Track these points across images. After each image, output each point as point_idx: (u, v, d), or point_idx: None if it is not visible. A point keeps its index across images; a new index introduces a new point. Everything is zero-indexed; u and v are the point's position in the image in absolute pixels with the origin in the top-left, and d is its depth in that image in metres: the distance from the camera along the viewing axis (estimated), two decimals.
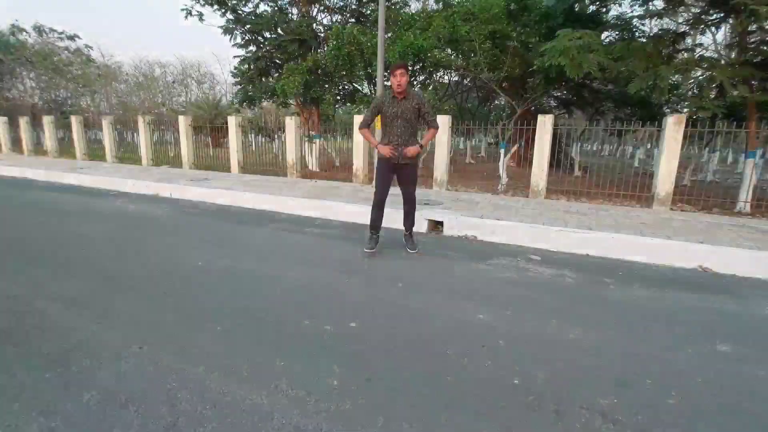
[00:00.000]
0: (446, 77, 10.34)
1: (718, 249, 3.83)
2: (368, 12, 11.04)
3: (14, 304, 2.54)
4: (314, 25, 10.19)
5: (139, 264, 3.37)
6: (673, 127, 5.59)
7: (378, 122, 3.86)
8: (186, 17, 9.76)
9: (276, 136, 19.35)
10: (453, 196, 6.59)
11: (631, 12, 10.15)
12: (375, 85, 9.58)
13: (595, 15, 9.80)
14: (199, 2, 9.62)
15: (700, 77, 5.71)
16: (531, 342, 2.23)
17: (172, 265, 3.35)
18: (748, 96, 5.69)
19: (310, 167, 10.35)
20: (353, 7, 11.02)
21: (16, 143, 14.10)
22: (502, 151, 8.74)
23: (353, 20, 10.75)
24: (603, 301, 2.84)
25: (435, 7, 10.88)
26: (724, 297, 3.01)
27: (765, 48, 6.71)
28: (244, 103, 12.11)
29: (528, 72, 9.06)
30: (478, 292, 2.92)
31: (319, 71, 9.11)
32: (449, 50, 8.93)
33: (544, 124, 6.35)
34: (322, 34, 10.25)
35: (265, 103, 15.25)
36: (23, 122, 13.15)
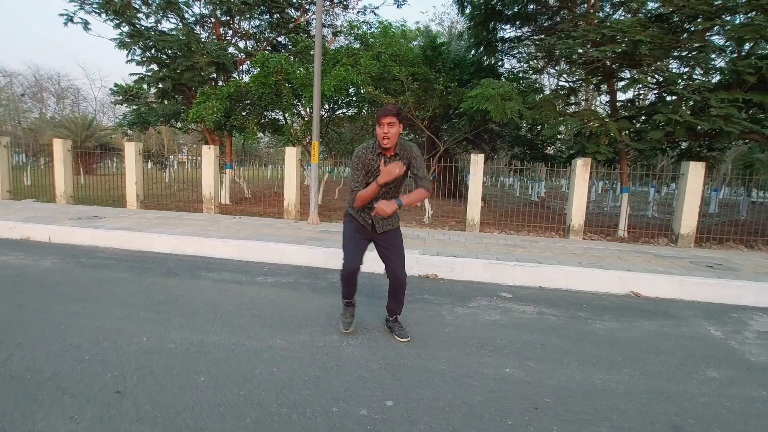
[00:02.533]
0: (372, 112, 10.52)
1: (642, 276, 4.44)
2: (285, 42, 10.76)
3: None
4: (229, 48, 9.49)
5: (54, 351, 2.46)
6: (582, 169, 6.51)
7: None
8: (65, 24, 8.17)
9: (168, 163, 17.24)
10: None
11: (519, 67, 11.97)
12: (297, 116, 9.24)
13: (493, 67, 11.19)
14: (84, 9, 8.18)
15: (595, 127, 6.82)
16: (573, 395, 2.18)
17: (107, 347, 2.52)
18: (628, 144, 6.97)
19: (221, 200, 9.35)
20: (268, 35, 10.62)
21: None
22: None
23: (269, 48, 10.33)
24: (595, 338, 2.99)
25: (346, 42, 11.17)
26: (673, 321, 3.45)
27: (630, 105, 8.42)
28: (134, 126, 10.52)
29: (447, 113, 9.76)
30: (486, 342, 2.82)
31: (237, 97, 8.41)
32: (376, 87, 9.14)
33: (477, 163, 6.81)
34: (236, 59, 9.59)
35: (160, 127, 13.48)
36: None
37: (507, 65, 12.78)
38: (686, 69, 7.69)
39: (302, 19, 9.81)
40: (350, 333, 2.86)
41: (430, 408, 2.00)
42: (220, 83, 9.27)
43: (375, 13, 11.83)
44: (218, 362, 2.37)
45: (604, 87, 8.57)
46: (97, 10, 8.03)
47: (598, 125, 6.71)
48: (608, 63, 7.27)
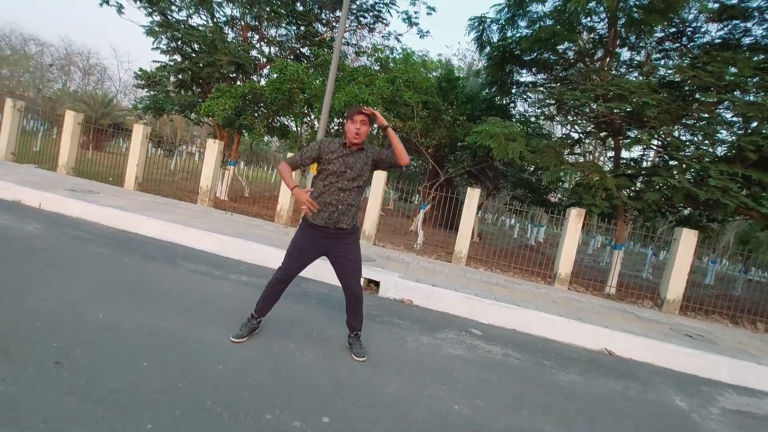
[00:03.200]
0: (379, 133, 10.70)
1: (618, 335, 4.38)
2: (307, 53, 11.07)
3: None
4: (252, 51, 9.77)
5: (13, 311, 2.45)
6: (575, 219, 6.54)
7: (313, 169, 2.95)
8: (101, 4, 8.46)
9: (175, 152, 17.44)
10: (381, 252, 6.53)
11: (530, 112, 12.22)
12: (307, 126, 9.41)
13: (506, 107, 11.42)
14: None
15: (594, 180, 6.89)
16: None
17: (63, 317, 2.50)
18: (625, 201, 7.02)
19: (219, 195, 9.40)
20: (292, 45, 10.94)
21: None
22: (422, 211, 9.17)
23: (291, 57, 10.62)
24: (556, 388, 2.94)
25: (368, 63, 11.47)
26: (639, 385, 3.39)
27: (632, 164, 8.52)
28: (149, 111, 10.71)
29: (453, 144, 9.90)
30: (441, 374, 2.77)
31: (250, 98, 8.60)
32: (386, 110, 9.33)
33: (472, 197, 6.86)
34: (257, 62, 9.85)
35: (173, 116, 13.71)
36: None
37: (520, 108, 13.06)
38: (691, 137, 7.83)
39: (327, 35, 10.12)
40: (296, 345, 2.82)
41: (365, 430, 1.95)
42: (239, 83, 9.48)
43: (398, 40, 12.19)
44: (167, 349, 2.34)
45: (610, 143, 8.73)
46: None
47: (598, 178, 6.77)
48: (617, 120, 7.41)
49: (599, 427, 2.49)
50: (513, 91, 10.55)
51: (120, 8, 8.64)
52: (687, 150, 7.43)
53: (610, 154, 9.79)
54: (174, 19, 8.99)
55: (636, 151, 9.81)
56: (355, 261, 2.70)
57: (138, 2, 8.39)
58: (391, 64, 9.81)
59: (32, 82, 25.02)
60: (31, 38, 26.83)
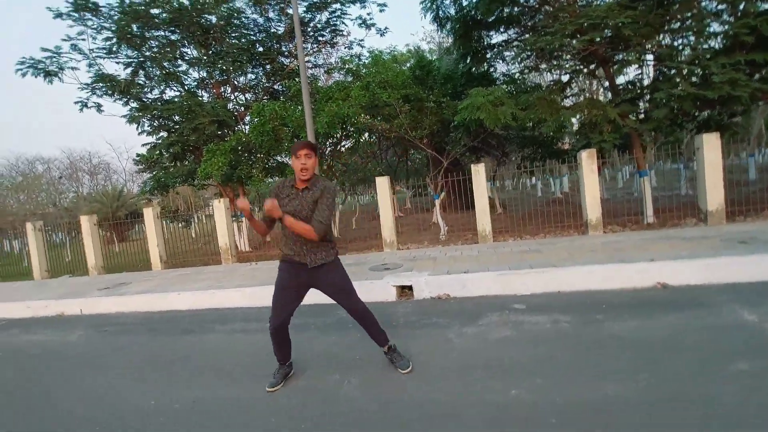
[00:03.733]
0: (371, 139, 10.72)
1: (666, 264, 4.15)
2: (281, 89, 11.22)
3: None
4: (228, 105, 9.98)
5: (72, 423, 2.54)
6: (587, 161, 6.28)
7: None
8: (81, 110, 8.88)
9: (192, 220, 17.99)
10: (406, 255, 6.47)
11: (513, 69, 11.91)
12: None
13: (486, 74, 11.19)
14: (95, 93, 8.87)
15: (595, 116, 6.61)
16: (583, 412, 2.02)
17: (118, 414, 2.58)
18: (633, 126, 6.70)
19: (241, 248, 9.60)
20: (265, 85, 11.12)
21: None
22: (437, 201, 9.06)
23: (267, 97, 10.80)
24: (611, 342, 2.79)
25: (341, 78, 11.51)
26: (701, 311, 3.18)
27: (630, 87, 8.15)
28: (156, 191, 11.10)
29: (445, 127, 9.77)
30: (493, 363, 2.68)
31: (240, 149, 8.78)
32: (370, 116, 9.32)
33: (479, 173, 6.72)
34: (237, 113, 10.07)
35: (178, 188, 14.20)
36: None
37: (502, 68, 12.76)
38: (683, 41, 7.42)
39: (294, 65, 10.23)
40: (341, 376, 2.79)
41: None
42: (226, 139, 9.71)
43: (362, 45, 12.23)
44: (220, 419, 2.37)
45: (602, 74, 8.37)
46: (106, 92, 8.69)
47: (598, 113, 6.50)
48: (600, 50, 7.11)
49: (667, 370, 2.34)
50: (488, 56, 10.33)
51: (99, 107, 9.03)
52: (682, 55, 7.04)
53: (606, 85, 9.39)
54: (149, 100, 9.32)
55: (632, 73, 9.40)
56: (342, 285, 2.69)
57: (112, 97, 8.75)
58: (364, 71, 9.82)
59: (48, 198, 26.50)
60: (36, 159, 28.52)
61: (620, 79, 8.81)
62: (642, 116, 7.40)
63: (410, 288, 4.74)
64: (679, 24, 7.10)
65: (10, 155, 45.74)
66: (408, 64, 16.33)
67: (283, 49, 10.44)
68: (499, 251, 5.82)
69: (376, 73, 8.73)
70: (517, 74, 11.15)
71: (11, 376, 3.52)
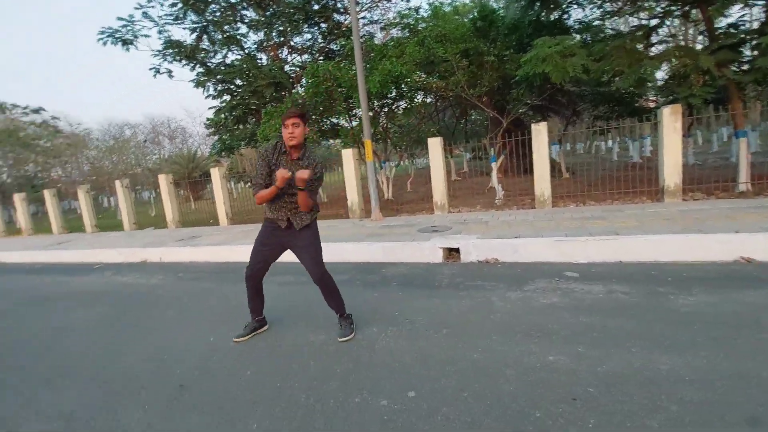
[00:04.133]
0: (426, 99, 10.35)
1: (753, 237, 3.64)
2: (337, 48, 11.11)
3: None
4: (286, 66, 10.14)
5: (144, 351, 2.94)
6: (670, 118, 5.54)
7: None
8: (155, 75, 9.57)
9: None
10: (457, 218, 6.34)
11: (591, 14, 10.57)
12: (355, 118, 9.50)
13: (558, 22, 10.08)
14: (166, 60, 9.47)
15: (684, 66, 5.73)
16: (626, 383, 1.90)
17: (183, 347, 2.92)
18: (732, 78, 5.73)
19: None
20: (320, 45, 11.08)
21: None
22: (494, 164, 8.65)
23: (322, 58, 10.78)
24: (674, 316, 2.55)
25: (399, 34, 11.06)
26: None
27: (732, 31, 6.90)
28: (222, 153, 11.85)
29: (507, 84, 9.12)
30: (534, 327, 2.59)
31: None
32: (425, 73, 8.95)
33: (540, 132, 6.25)
34: (294, 75, 10.21)
35: (242, 149, 15.01)
36: None
37: (577, 15, 11.40)
38: None
39: (349, 22, 10.01)
40: (379, 329, 2.87)
41: (452, 399, 1.92)
42: (284, 101, 9.95)
43: None
44: (266, 358, 2.59)
45: (696, 16, 7.16)
46: (175, 59, 9.23)
47: (689, 63, 5.62)
48: None
49: (735, 348, 2.10)
50: (561, 0, 9.24)
51: (170, 73, 9.66)
52: None
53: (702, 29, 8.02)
54: (213, 65, 9.76)
55: (734, 15, 7.91)
56: (309, 246, 2.75)
57: (180, 62, 9.28)
58: (421, 25, 9.35)
59: (136, 160, 29.50)
60: (124, 124, 31.61)
61: (720, 23, 7.48)
62: (745, 66, 6.28)
63: (457, 251, 4.67)
64: None
65: (103, 121, 51.17)
66: (471, 16, 15.27)
67: (339, 5, 10.22)
68: (557, 217, 5.48)
69: (434, 26, 8.27)
70: (596, 21, 9.91)
71: (108, 310, 4.11)
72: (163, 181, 9.15)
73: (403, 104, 9.22)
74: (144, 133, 32.37)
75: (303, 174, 2.44)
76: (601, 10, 10.07)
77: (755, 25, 7.24)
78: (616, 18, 10.97)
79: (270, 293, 3.97)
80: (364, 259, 4.95)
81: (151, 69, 9.38)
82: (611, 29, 10.19)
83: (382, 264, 4.69)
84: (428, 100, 11.07)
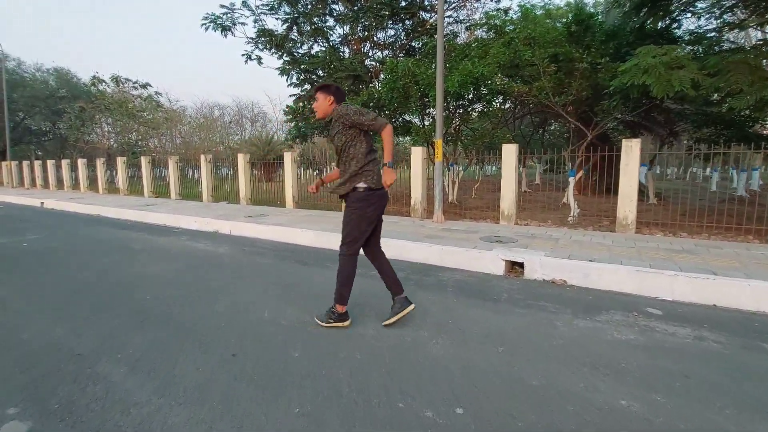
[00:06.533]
0: (504, 105, 9.93)
1: None
2: (418, 45, 11.05)
3: (78, 367, 2.31)
4: (366, 61, 10.30)
5: (206, 313, 3.13)
6: None
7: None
8: (246, 62, 10.23)
9: (324, 170, 19.70)
10: (524, 231, 5.98)
11: (707, 25, 9.40)
12: (428, 116, 9.38)
13: (666, 31, 9.11)
14: (258, 47, 10.07)
15: None
16: None
17: (239, 316, 3.06)
18: None
19: None
20: (402, 41, 11.09)
21: (93, 182, 15.34)
22: (571, 179, 8.05)
23: (402, 54, 10.78)
24: None
25: (484, 35, 10.70)
26: None
27: None
28: (296, 139, 12.37)
29: (597, 94, 8.43)
30: (603, 362, 2.33)
31: (372, 105, 9.05)
32: (507, 77, 8.56)
33: (631, 149, 5.68)
34: (373, 69, 10.33)
35: (315, 138, 15.60)
36: (99, 163, 14.32)
37: (688, 25, 10.20)
38: None
39: (433, 20, 9.89)
40: (430, 334, 2.75)
41: (503, 426, 1.77)
42: (360, 94, 10.13)
43: None
44: (314, 341, 2.61)
45: None
46: (266, 47, 9.79)
47: None
48: None
49: None
50: (672, 7, 8.33)
51: (260, 60, 10.27)
52: None
53: None
54: (299, 55, 10.20)
55: None
56: (343, 220, 2.77)
57: (270, 50, 9.82)
58: (509, 27, 8.95)
59: (220, 138, 32.02)
60: (214, 105, 34.43)
61: None
62: None
63: (521, 265, 4.39)
64: None
65: (198, 101, 56.20)
66: (563, 20, 14.40)
67: (426, 3, 10.14)
68: (639, 245, 4.94)
69: (523, 28, 7.87)
70: (713, 33, 8.80)
71: (180, 268, 4.48)
72: (241, 160, 9.77)
73: (479, 107, 8.92)
74: (230, 114, 35.01)
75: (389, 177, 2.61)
76: (720, 20, 8.94)
77: None
78: (736, 30, 9.66)
79: (322, 277, 4.06)
80: (420, 259, 4.85)
81: (243, 55, 10.08)
82: (731, 42, 9.01)
83: (439, 267, 4.56)
84: (507, 105, 10.63)
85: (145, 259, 5.02)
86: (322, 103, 2.74)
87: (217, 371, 2.24)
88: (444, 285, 3.89)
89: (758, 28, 8.83)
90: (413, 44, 10.95)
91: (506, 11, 10.51)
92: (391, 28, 10.48)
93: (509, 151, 6.58)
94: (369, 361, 2.33)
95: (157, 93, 25.77)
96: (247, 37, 9.93)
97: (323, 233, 5.91)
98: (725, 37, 8.05)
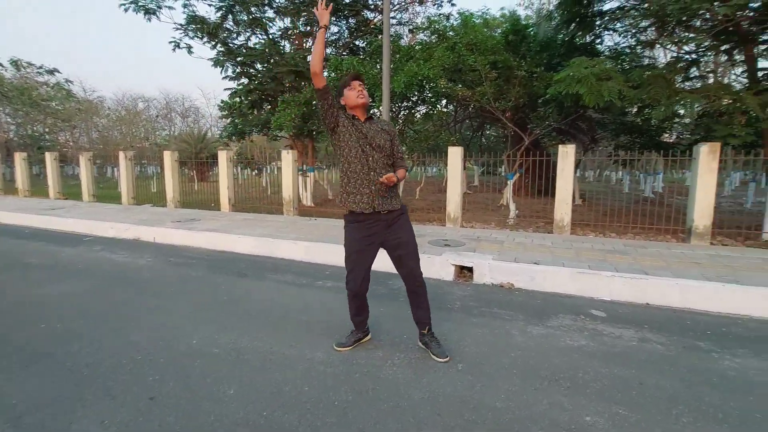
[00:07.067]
0: (447, 108, 10.07)
1: None
2: (363, 44, 10.85)
3: None
4: (308, 56, 9.88)
5: (118, 345, 2.62)
6: (708, 157, 5.24)
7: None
8: (174, 50, 9.30)
9: (264, 169, 18.80)
10: (470, 233, 6.03)
11: (624, 42, 10.31)
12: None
13: (590, 45, 9.82)
14: (188, 35, 9.21)
15: (726, 105, 5.45)
16: None
17: (160, 347, 2.60)
18: None
19: (304, 202, 9.74)
20: (346, 39, 10.82)
21: None
22: (510, 181, 8.35)
23: (346, 53, 10.51)
24: (722, 382, 2.23)
25: (426, 39, 10.80)
26: None
27: None
28: (233, 137, 11.57)
29: (532, 101, 8.84)
30: (562, 374, 2.28)
31: (315, 102, 8.68)
32: (451, 80, 8.67)
33: (567, 155, 5.95)
34: None
35: (254, 136, 14.75)
36: None
37: (608, 41, 11.13)
38: None
39: (378, 20, 9.76)
40: (385, 354, 2.55)
41: None
42: (303, 91, 9.68)
43: (452, 4, 11.30)
44: (253, 372, 2.27)
45: (738, 56, 6.88)
46: (197, 35, 8.97)
47: (730, 101, 5.33)
48: (743, 24, 5.77)
49: None
50: (597, 23, 8.98)
51: (189, 49, 9.39)
52: None
53: (742, 70, 7.75)
54: (235, 46, 9.49)
55: None
56: (410, 243, 2.41)
57: (202, 39, 9.02)
58: (450, 33, 9.08)
59: (145, 133, 29.28)
60: (138, 97, 31.41)
61: (763, 64, 7.20)
62: None
63: (470, 270, 4.35)
64: None
65: (119, 92, 51.06)
66: (500, 30, 15.05)
67: (370, 2, 9.97)
68: (576, 246, 5.17)
69: (465, 34, 8.00)
70: (628, 49, 9.66)
71: (88, 288, 3.80)
72: (168, 158, 8.85)
73: (423, 109, 8.93)
74: (157, 108, 32.18)
75: (391, 178, 2.20)
76: (635, 39, 9.82)
77: None
78: (650, 49, 10.69)
79: (264, 293, 3.66)
80: (378, 268, 4.63)
81: (171, 42, 9.14)
82: (649, 58, 9.92)
83: (389, 275, 4.34)
84: (449, 109, 10.81)
85: (43, 276, 4.23)
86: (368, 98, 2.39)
87: (130, 424, 1.83)
88: (396, 294, 3.71)
89: (668, 47, 9.87)
90: (357, 43, 10.73)
91: (447, 17, 10.68)
92: (334, 25, 10.15)
93: (455, 154, 6.61)
94: (320, 396, 2.05)
95: (67, 81, 22.82)
96: (175, 23, 9.04)
97: (264, 239, 5.46)
98: (643, 54, 8.81)
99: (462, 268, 4.43)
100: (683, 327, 3.01)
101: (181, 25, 8.99)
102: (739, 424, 1.85)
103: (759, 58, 6.38)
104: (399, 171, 2.40)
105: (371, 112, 2.30)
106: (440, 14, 11.14)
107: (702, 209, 5.30)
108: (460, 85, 7.90)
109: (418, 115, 9.35)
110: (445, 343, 2.63)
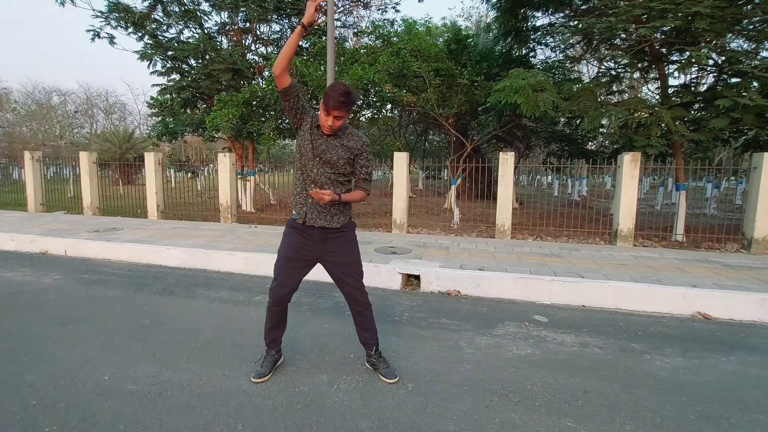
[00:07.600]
0: (391, 113, 10.07)
1: (711, 293, 3.65)
2: (306, 45, 10.53)
3: None
4: (248, 55, 9.37)
5: (8, 387, 2.17)
6: (630, 165, 5.68)
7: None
8: (93, 39, 8.33)
9: (200, 173, 17.65)
10: (416, 240, 6.01)
11: (554, 57, 11.08)
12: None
13: (526, 58, 10.39)
14: (109, 24, 8.30)
15: (645, 118, 5.97)
16: None
17: (62, 387, 2.19)
18: (687, 135, 6.05)
19: (244, 207, 9.21)
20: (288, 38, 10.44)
21: None
22: (453, 187, 8.52)
23: None
24: (656, 384, 2.33)
25: (370, 43, 10.78)
26: (757, 357, 2.70)
27: (683, 91, 7.40)
28: (164, 137, 10.65)
29: (473, 109, 9.12)
30: (511, 387, 2.25)
31: (255, 103, 8.23)
32: (396, 86, 8.68)
33: (507, 161, 6.15)
34: (256, 66, 9.46)
35: (188, 137, 13.73)
36: None
37: (541, 56, 11.87)
38: (752, 45, 6.64)
39: (321, 21, 9.52)
40: (330, 378, 2.38)
41: None
42: (241, 90, 9.16)
43: (397, 10, 11.37)
44: (177, 412, 1.96)
45: (652, 73, 7.64)
46: (120, 24, 8.12)
47: (648, 115, 5.85)
48: (656, 45, 6.38)
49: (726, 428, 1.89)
50: (531, 37, 9.51)
51: (111, 39, 8.47)
52: (749, 61, 6.28)
53: (655, 86, 8.62)
54: (165, 39, 8.73)
55: (684, 77, 8.59)
56: (349, 264, 2.27)
57: (126, 29, 8.18)
58: (394, 39, 9.10)
59: (61, 131, 26.21)
60: (53, 90, 28.08)
61: (672, 81, 8.08)
62: (690, 125, 6.72)
63: (417, 278, 4.30)
64: (752, 27, 6.30)
65: (27, 82, 45.38)
66: (441, 39, 15.45)
67: None
68: (517, 250, 5.34)
69: (408, 41, 8.05)
70: (557, 63, 10.37)
71: None
72: (85, 159, 7.89)
73: (368, 113, 8.84)
74: (76, 103, 28.97)
75: (323, 196, 1.98)
76: (564, 53, 10.57)
77: (702, 88, 7.87)
78: (576, 63, 11.56)
79: (194, 313, 3.27)
80: (313, 277, 4.38)
81: (89, 31, 8.16)
82: (573, 74, 10.69)
83: (334, 286, 4.17)
84: (394, 114, 10.84)
85: None
86: (344, 122, 2.10)
87: None
88: (341, 308, 3.52)
89: (592, 63, 10.73)
90: (301, 44, 10.38)
91: (392, 23, 10.72)
92: (276, 23, 9.72)
93: (401, 160, 6.58)
94: (250, 427, 1.82)
95: None
96: (94, 10, 8.08)
97: (196, 250, 4.99)
98: (572, 69, 9.46)
99: (409, 276, 4.37)
100: (617, 329, 3.17)
101: (101, 12, 8.07)
102: (676, 427, 1.91)
103: (669, 76, 7.11)
104: (354, 192, 2.21)
105: (346, 123, 2.01)
106: (384, 20, 11.16)
107: (625, 213, 5.73)
108: (405, 91, 7.92)
109: (363, 120, 9.24)
110: (394, 360, 2.51)
